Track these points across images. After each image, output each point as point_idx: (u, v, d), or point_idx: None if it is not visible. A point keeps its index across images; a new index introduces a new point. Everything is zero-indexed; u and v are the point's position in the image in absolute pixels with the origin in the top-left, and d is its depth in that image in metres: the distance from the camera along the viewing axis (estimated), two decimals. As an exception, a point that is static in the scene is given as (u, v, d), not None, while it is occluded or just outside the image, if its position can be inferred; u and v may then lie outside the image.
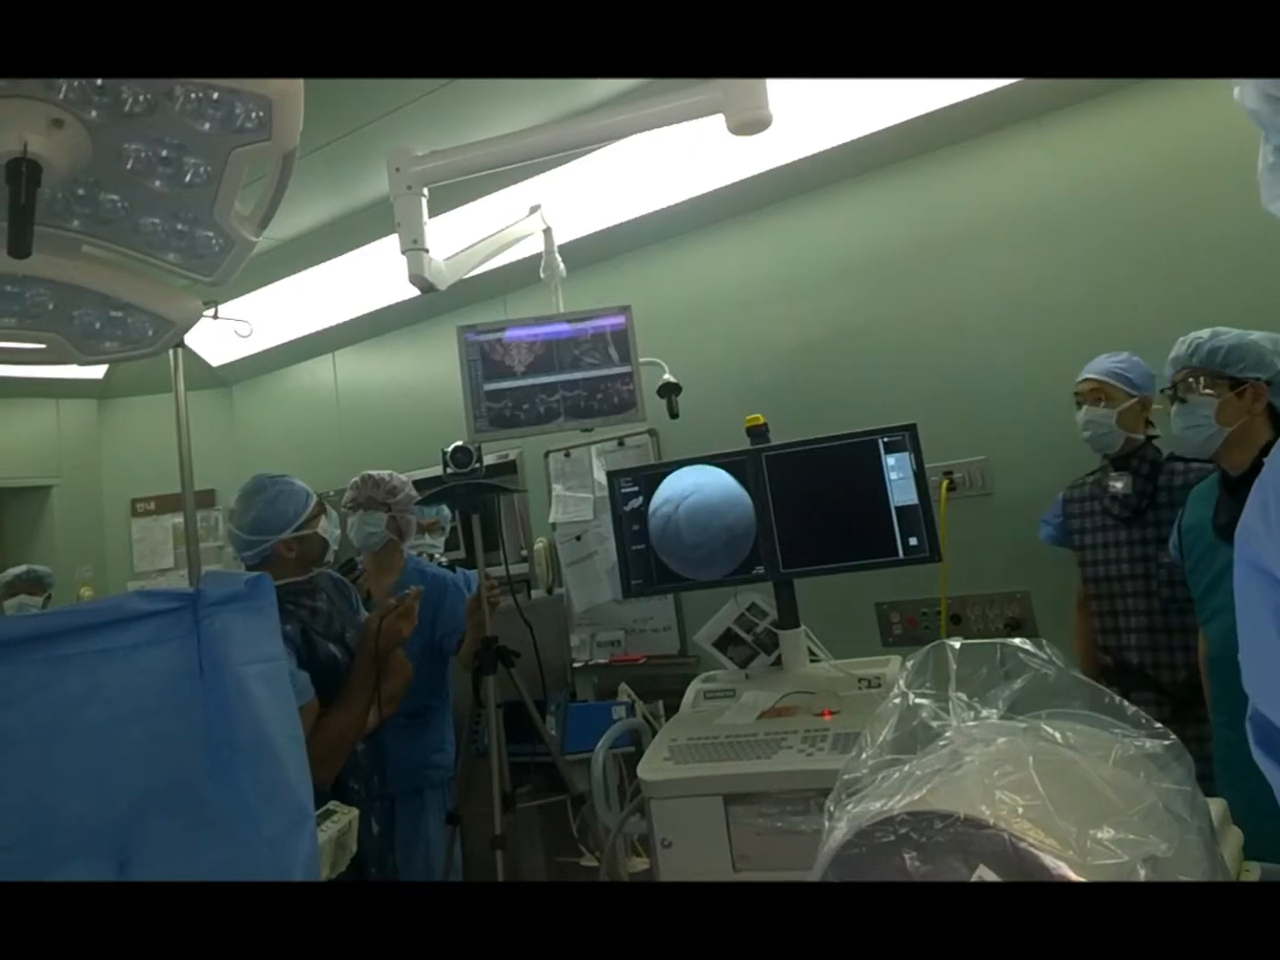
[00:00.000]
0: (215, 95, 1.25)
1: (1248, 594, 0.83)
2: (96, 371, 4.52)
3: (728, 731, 2.02)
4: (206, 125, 1.30)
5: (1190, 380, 2.13)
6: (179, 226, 1.43)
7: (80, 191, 1.37)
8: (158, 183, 1.37)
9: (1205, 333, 2.14)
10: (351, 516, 2.87)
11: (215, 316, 2.16)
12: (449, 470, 2.72)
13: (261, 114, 1.28)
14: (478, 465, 2.72)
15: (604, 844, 2.39)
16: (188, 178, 1.36)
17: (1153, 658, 2.43)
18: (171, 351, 1.91)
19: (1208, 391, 2.11)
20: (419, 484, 3.21)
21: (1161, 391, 2.22)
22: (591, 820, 2.61)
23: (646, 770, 1.93)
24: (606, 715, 2.84)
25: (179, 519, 4.28)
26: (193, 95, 1.25)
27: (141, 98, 1.24)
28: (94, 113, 1.23)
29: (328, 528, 2.33)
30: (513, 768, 2.62)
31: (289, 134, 1.33)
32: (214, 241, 1.45)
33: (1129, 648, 2.48)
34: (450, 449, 2.74)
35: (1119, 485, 2.50)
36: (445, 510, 2.88)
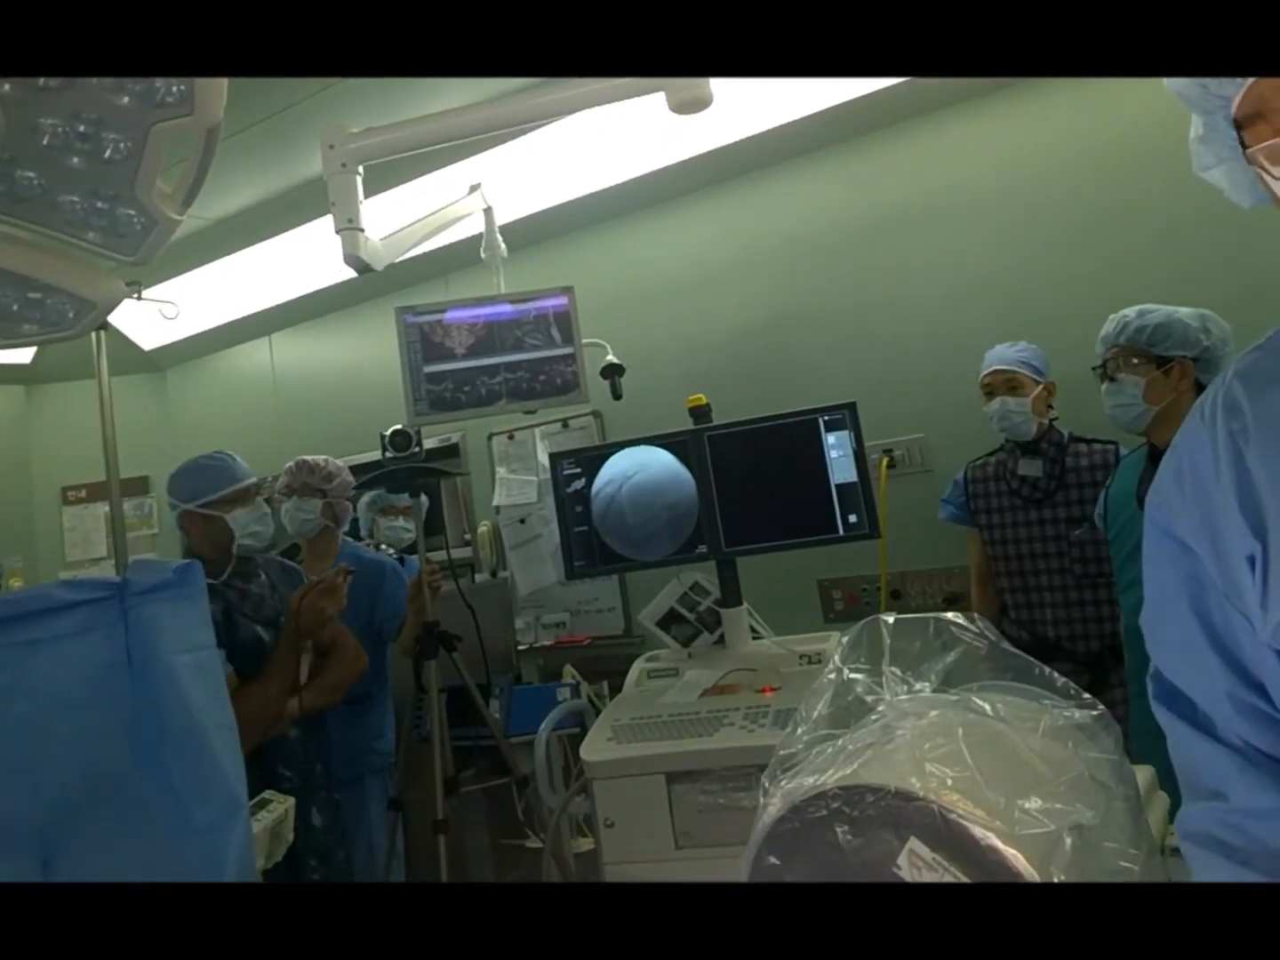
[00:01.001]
0: (133, 69, 1.21)
1: (1156, 560, 0.85)
2: (23, 356, 4.39)
3: (670, 710, 2.03)
4: (125, 100, 1.26)
5: (1119, 359, 2.17)
6: (99, 204, 1.39)
7: (-7, 168, 1.33)
8: (76, 159, 1.33)
9: (1132, 311, 2.18)
10: (286, 503, 2.82)
11: (139, 298, 2.10)
12: (388, 454, 2.69)
13: (182, 88, 1.25)
14: (417, 449, 2.70)
15: (549, 826, 2.39)
16: (107, 154, 1.32)
17: (1068, 630, 2.53)
18: (94, 334, 1.86)
19: (1135, 371, 2.15)
20: (358, 468, 3.18)
21: (1092, 369, 2.26)
22: (536, 803, 2.61)
23: (589, 751, 1.94)
24: (551, 697, 2.84)
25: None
26: (110, 69, 1.20)
27: (56, 71, 1.19)
28: (6, 86, 1.18)
29: (240, 515, 2.27)
30: (456, 752, 2.60)
31: (212, 109, 1.29)
32: (136, 220, 1.41)
33: (1045, 621, 2.56)
34: (389, 432, 2.71)
35: (1031, 470, 2.59)
36: (424, 498, 2.85)
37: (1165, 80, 0.80)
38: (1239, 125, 0.75)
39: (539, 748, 2.36)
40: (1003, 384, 2.57)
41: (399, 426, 2.69)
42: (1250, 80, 0.71)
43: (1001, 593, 2.66)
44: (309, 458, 2.91)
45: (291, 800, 1.48)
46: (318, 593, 2.19)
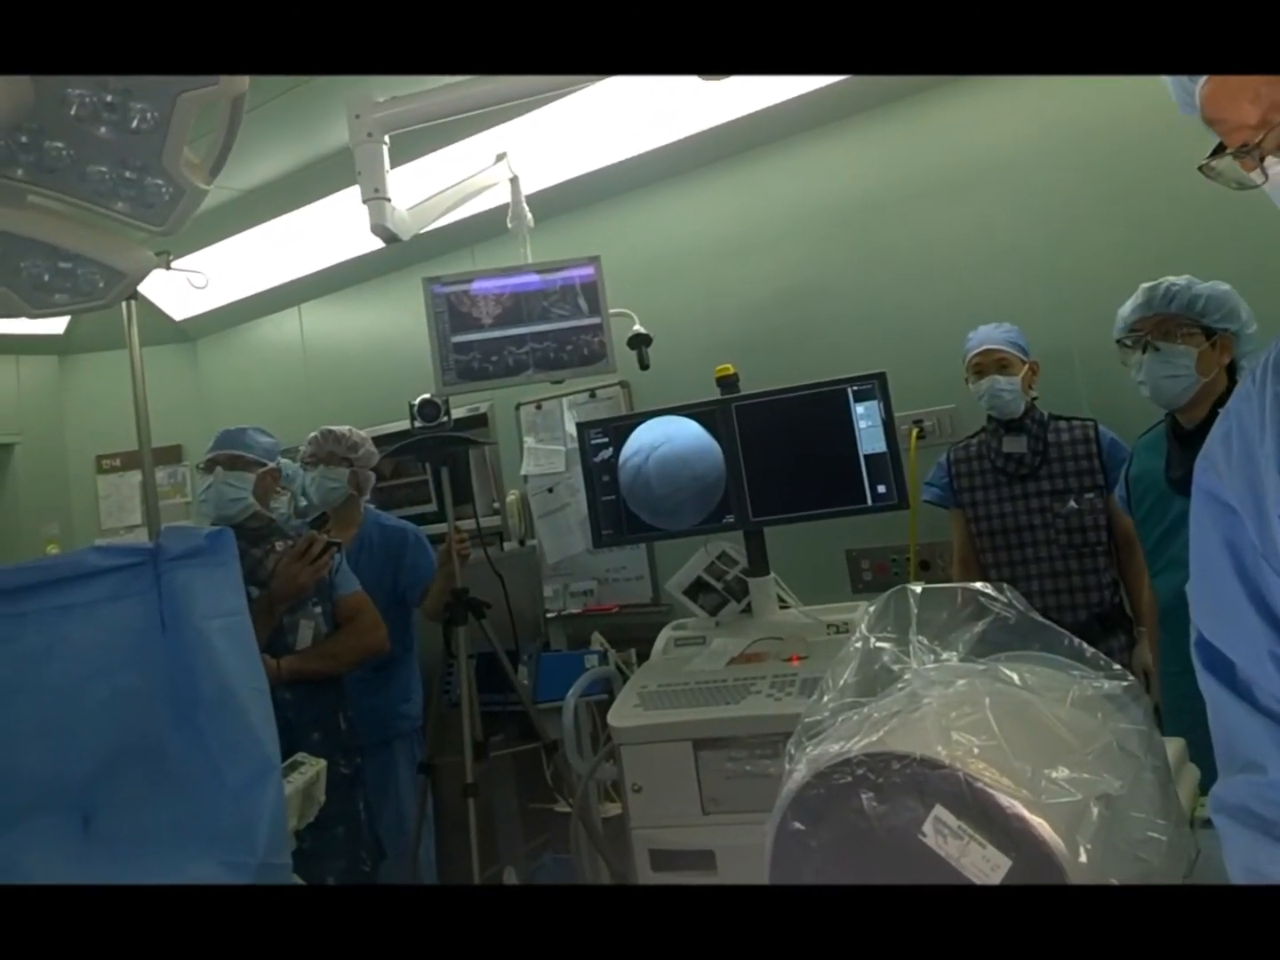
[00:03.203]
0: (159, 37, 1.21)
1: (1201, 522, 0.85)
2: (56, 326, 4.43)
3: (697, 678, 2.04)
4: (152, 69, 1.26)
5: (1168, 328, 2.11)
6: (127, 174, 1.39)
7: (23, 139, 1.33)
8: (103, 129, 1.33)
9: (1180, 280, 2.13)
10: (312, 472, 2.84)
11: (168, 267, 2.11)
12: (417, 424, 2.70)
13: (208, 56, 1.24)
14: (446, 418, 2.71)
15: (576, 791, 2.42)
16: (134, 124, 1.32)
17: (1055, 600, 2.57)
18: (124, 304, 1.87)
19: (1189, 340, 2.09)
20: (387, 438, 3.19)
21: (1118, 341, 2.21)
22: (565, 768, 2.63)
23: (617, 717, 1.95)
24: (579, 664, 2.85)
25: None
26: (136, 37, 1.20)
27: (82, 40, 1.19)
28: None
29: (201, 484, 2.39)
30: (485, 717, 2.63)
31: (238, 79, 1.29)
32: (164, 190, 1.42)
33: (1033, 593, 2.58)
34: (418, 402, 2.72)
35: (1016, 446, 2.62)
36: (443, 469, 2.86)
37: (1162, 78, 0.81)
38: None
39: (567, 713, 2.38)
40: (993, 363, 2.61)
41: (427, 396, 2.70)
42: (1195, 93, 0.75)
43: (986, 569, 2.68)
44: (334, 427, 2.93)
45: (323, 762, 1.51)
46: (291, 559, 2.23)
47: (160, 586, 1.39)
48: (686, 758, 1.84)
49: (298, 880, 1.33)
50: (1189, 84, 0.76)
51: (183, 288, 3.94)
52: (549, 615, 3.64)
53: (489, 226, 3.32)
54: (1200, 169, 0.80)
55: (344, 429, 2.93)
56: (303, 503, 2.99)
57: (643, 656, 2.57)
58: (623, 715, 1.95)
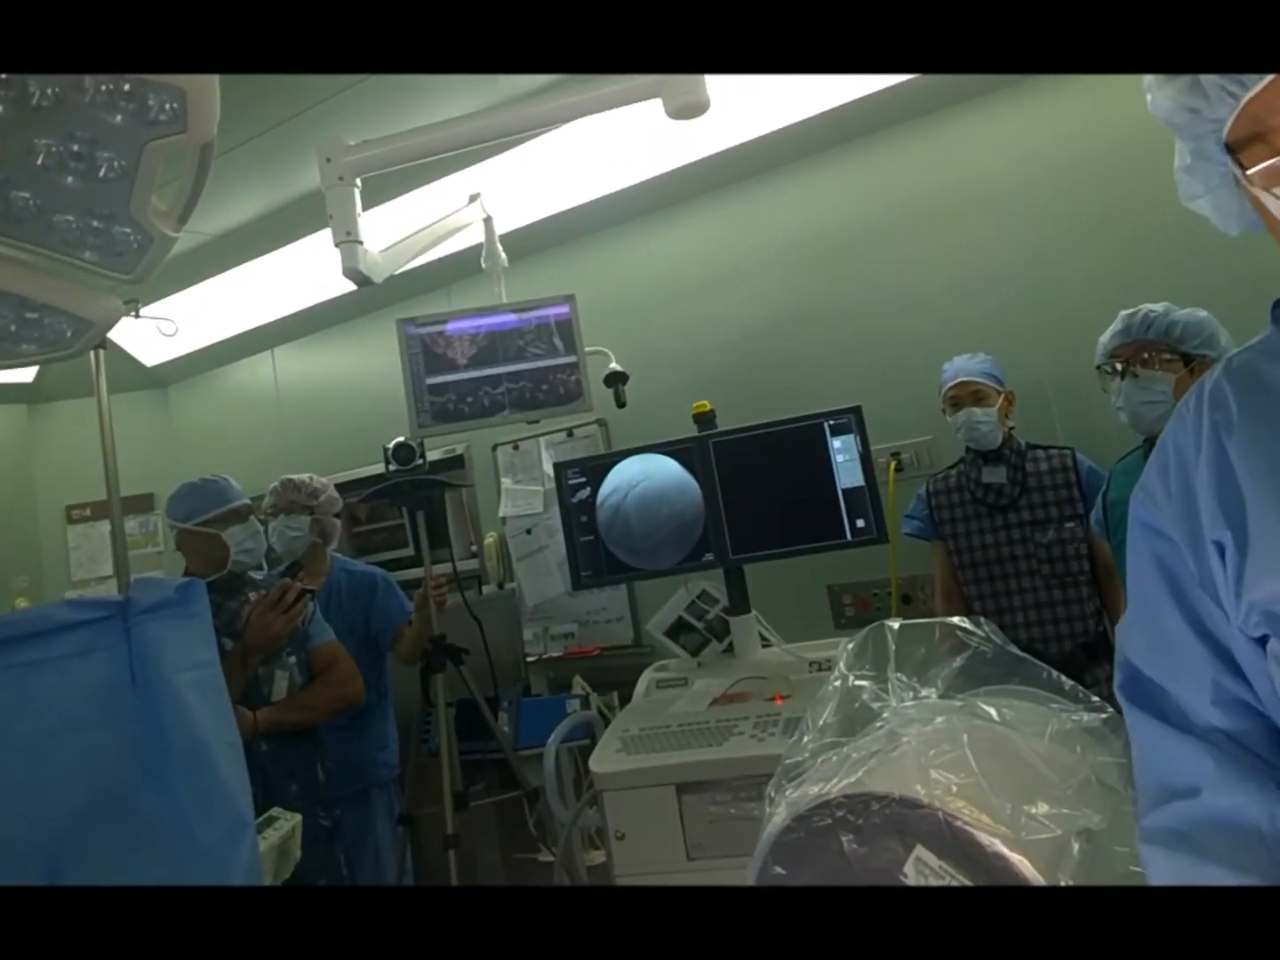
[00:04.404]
0: (126, 87, 1.22)
1: (1140, 553, 0.86)
2: (25, 375, 4.41)
3: (680, 720, 2.03)
4: (118, 118, 1.27)
5: (1147, 354, 2.15)
6: (94, 223, 1.40)
7: (-12, 190, 1.34)
8: (70, 178, 1.34)
9: (1159, 307, 2.17)
10: (273, 522, 2.84)
11: (136, 315, 2.12)
12: (392, 467, 2.70)
13: (175, 105, 1.26)
14: (421, 461, 2.71)
15: (560, 839, 2.40)
16: (101, 172, 1.34)
17: (1040, 631, 2.59)
18: (92, 353, 1.88)
19: (1166, 366, 2.13)
20: (362, 481, 3.18)
21: (1098, 368, 2.25)
22: (547, 816, 2.61)
23: (599, 763, 1.95)
24: (560, 709, 2.84)
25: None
26: (103, 87, 1.22)
27: (49, 91, 1.21)
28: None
29: (235, 533, 2.37)
30: (465, 765, 2.61)
31: (205, 125, 1.31)
32: (132, 238, 1.43)
33: (1018, 625, 2.60)
34: (392, 445, 2.72)
35: (995, 477, 2.65)
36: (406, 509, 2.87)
37: (1151, 105, 0.79)
38: (1232, 149, 0.73)
39: (548, 760, 2.36)
40: (969, 395, 2.64)
41: (402, 439, 2.71)
42: (1243, 100, 0.69)
43: (969, 601, 2.69)
44: (294, 476, 2.93)
45: (298, 817, 1.49)
46: (264, 608, 2.23)
47: (130, 640, 1.38)
48: (670, 802, 1.83)
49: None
50: (1233, 86, 0.69)
51: (153, 334, 3.94)
52: (529, 659, 3.63)
53: (464, 267, 3.35)
54: (1241, 182, 0.75)
55: (304, 477, 2.93)
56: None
57: (625, 699, 2.56)
58: (605, 760, 1.94)
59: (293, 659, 2.32)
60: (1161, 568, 0.82)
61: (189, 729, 1.31)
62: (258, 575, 2.55)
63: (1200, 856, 0.73)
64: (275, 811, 1.48)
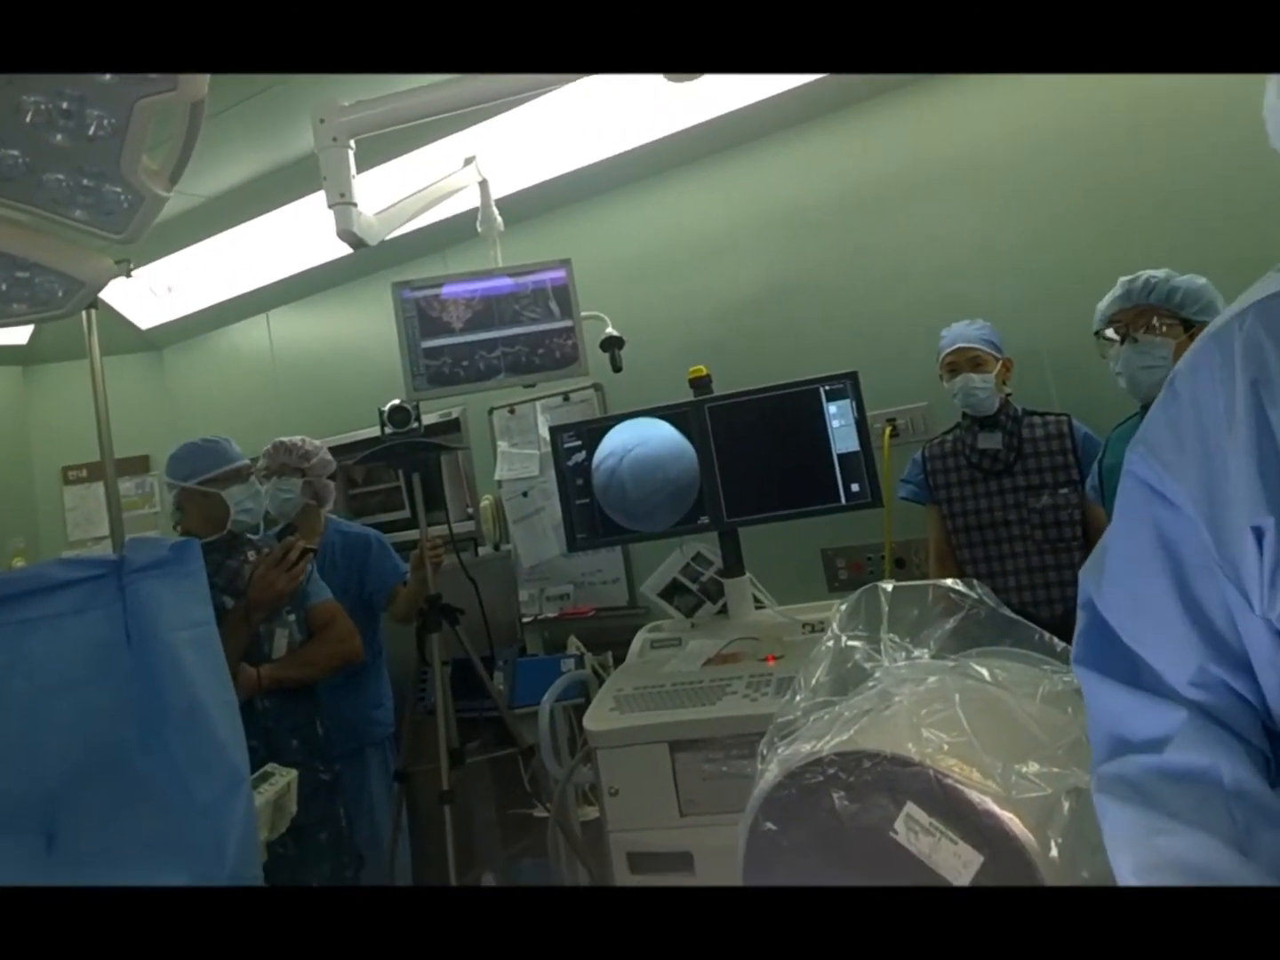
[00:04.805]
0: (114, 43, 1.19)
1: (1133, 517, 0.79)
2: (19, 337, 4.37)
3: (673, 680, 2.04)
4: (108, 76, 1.24)
5: (1147, 319, 2.12)
6: (85, 182, 1.38)
7: (-24, 148, 1.31)
8: (59, 136, 1.32)
9: (1159, 272, 2.15)
10: (265, 484, 2.82)
11: (129, 275, 2.09)
12: (387, 430, 2.68)
13: (164, 62, 1.23)
14: (416, 424, 2.69)
15: (554, 795, 2.42)
16: (91, 131, 1.31)
17: (1032, 595, 2.57)
18: (85, 313, 1.85)
19: (1167, 332, 2.11)
20: (357, 445, 3.17)
21: (1097, 334, 2.24)
22: (542, 773, 2.63)
23: (593, 721, 1.96)
24: (555, 668, 2.84)
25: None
26: (91, 43, 1.19)
27: (36, 46, 1.18)
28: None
29: (235, 492, 2.36)
30: (461, 723, 2.62)
31: (195, 84, 1.28)
32: (122, 197, 1.40)
33: (1009, 589, 2.59)
34: (388, 408, 2.70)
35: (991, 442, 2.63)
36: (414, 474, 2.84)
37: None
38: None
39: (543, 718, 2.38)
40: (967, 361, 2.61)
41: (397, 402, 2.69)
42: None
43: (963, 565, 2.69)
44: (285, 438, 2.91)
45: (294, 773, 1.49)
46: (267, 566, 2.23)
47: (125, 598, 1.37)
48: (663, 760, 1.84)
49: (270, 892, 1.32)
50: None
51: (148, 297, 3.91)
52: (525, 620, 3.63)
53: (459, 231, 3.31)
54: None
55: (296, 439, 2.92)
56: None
57: (619, 660, 2.57)
58: (599, 719, 1.95)
59: (292, 617, 2.32)
60: (1160, 536, 0.75)
61: (185, 687, 1.30)
62: (255, 536, 2.54)
63: (1156, 810, 0.70)
64: (270, 767, 1.48)
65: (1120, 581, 0.79)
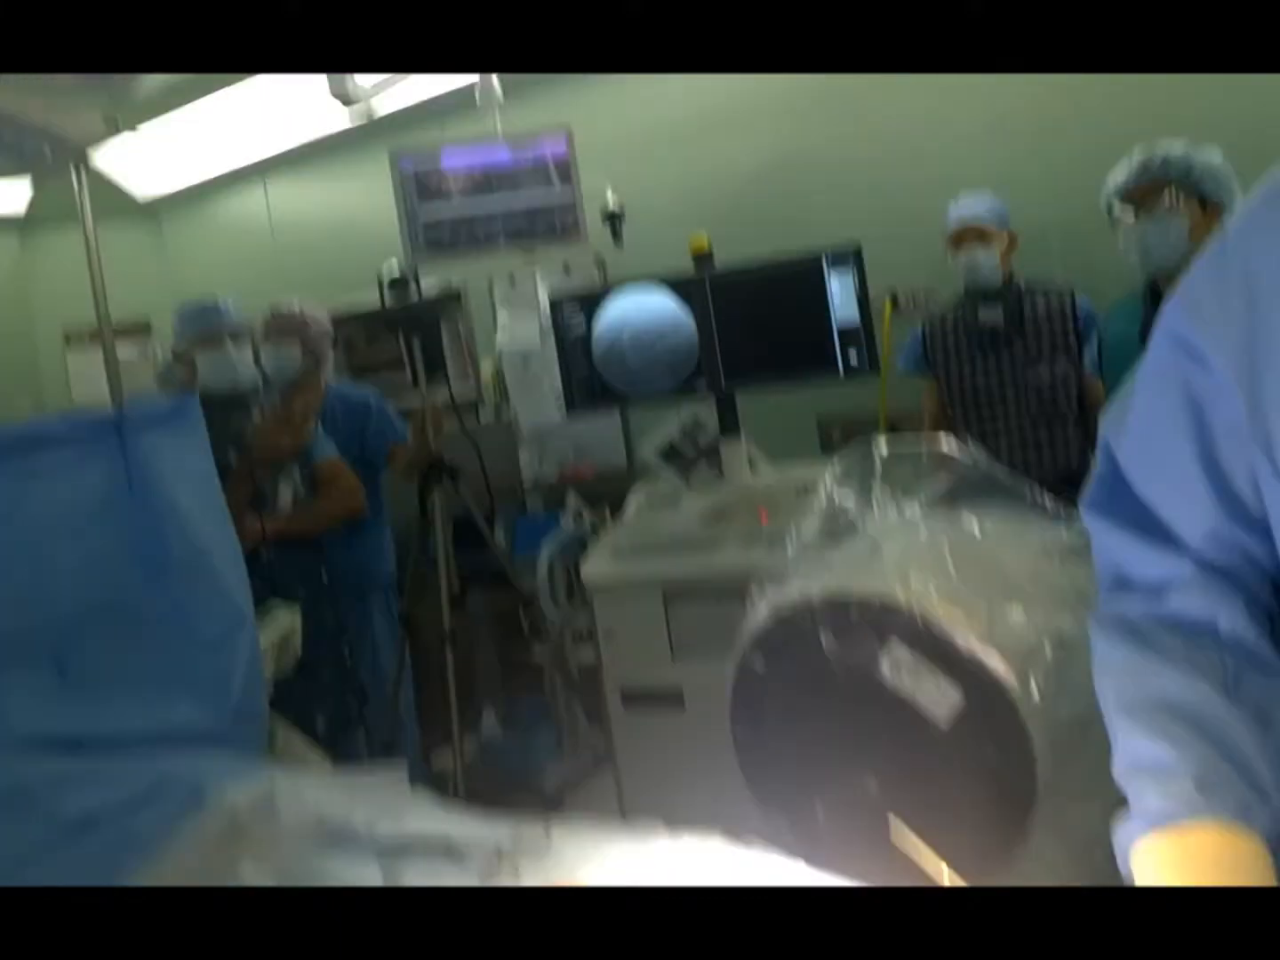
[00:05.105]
0: None
1: (1161, 373, 0.75)
2: (17, 207, 4.25)
3: (669, 532, 2.06)
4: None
5: (1164, 193, 2.05)
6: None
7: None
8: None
9: (1178, 147, 2.06)
10: (264, 347, 2.78)
11: (117, 130, 2.00)
12: (386, 297, 2.64)
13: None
14: (416, 292, 2.64)
15: (551, 639, 2.47)
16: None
17: (1024, 467, 2.55)
18: (74, 170, 1.77)
19: (1186, 206, 2.04)
20: (355, 315, 3.12)
21: (1109, 207, 2.16)
22: (541, 620, 2.68)
23: (590, 568, 2.00)
24: (554, 524, 2.86)
25: (117, 350, 4.14)
26: None
27: None
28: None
29: (204, 359, 2.34)
30: (462, 575, 2.66)
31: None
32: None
33: (1002, 459, 2.57)
34: (386, 275, 2.65)
35: (992, 317, 2.58)
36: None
37: None
38: None
39: (541, 567, 2.42)
40: (973, 235, 2.54)
41: (396, 269, 2.63)
42: None
43: (958, 438, 2.68)
44: (282, 302, 2.84)
45: (297, 609, 1.51)
46: (271, 423, 2.23)
47: (126, 452, 1.36)
48: (656, 606, 1.88)
49: (274, 722, 1.34)
50: None
51: (144, 165, 3.77)
52: (525, 483, 3.65)
53: (459, 103, 3.19)
54: None
55: (293, 302, 2.85)
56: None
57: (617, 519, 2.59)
58: (596, 567, 1.99)
59: (296, 472, 2.35)
60: (1188, 397, 0.71)
61: (188, 537, 1.30)
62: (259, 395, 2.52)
63: (1150, 650, 0.70)
64: (274, 602, 1.50)
65: (1142, 437, 0.76)
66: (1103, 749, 0.73)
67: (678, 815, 0.98)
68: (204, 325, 2.36)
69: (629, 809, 1.96)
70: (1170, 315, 0.73)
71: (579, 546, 2.71)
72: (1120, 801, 0.68)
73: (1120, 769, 0.69)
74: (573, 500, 2.93)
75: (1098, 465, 0.80)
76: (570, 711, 2.85)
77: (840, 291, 2.31)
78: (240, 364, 2.37)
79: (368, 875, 0.87)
